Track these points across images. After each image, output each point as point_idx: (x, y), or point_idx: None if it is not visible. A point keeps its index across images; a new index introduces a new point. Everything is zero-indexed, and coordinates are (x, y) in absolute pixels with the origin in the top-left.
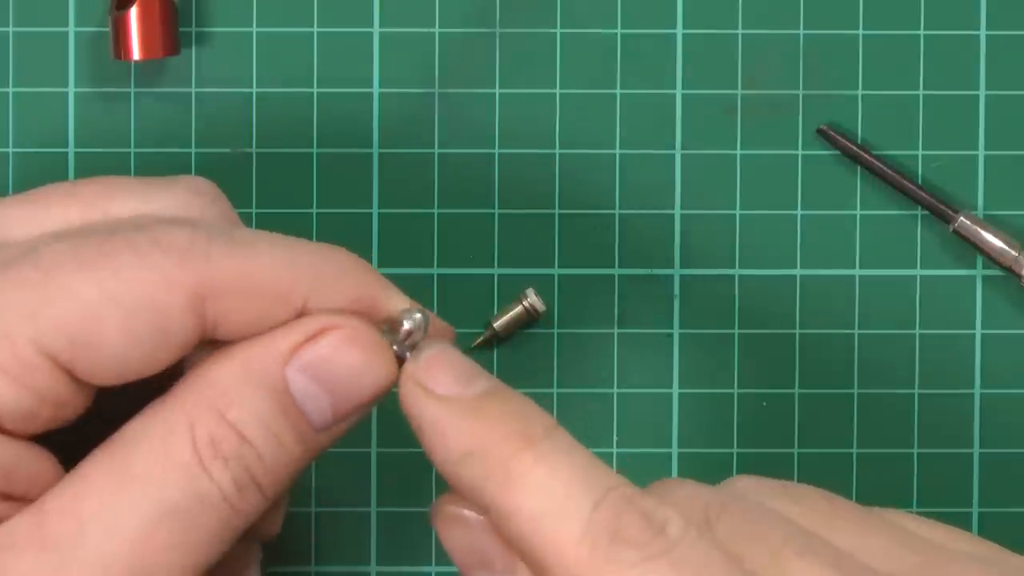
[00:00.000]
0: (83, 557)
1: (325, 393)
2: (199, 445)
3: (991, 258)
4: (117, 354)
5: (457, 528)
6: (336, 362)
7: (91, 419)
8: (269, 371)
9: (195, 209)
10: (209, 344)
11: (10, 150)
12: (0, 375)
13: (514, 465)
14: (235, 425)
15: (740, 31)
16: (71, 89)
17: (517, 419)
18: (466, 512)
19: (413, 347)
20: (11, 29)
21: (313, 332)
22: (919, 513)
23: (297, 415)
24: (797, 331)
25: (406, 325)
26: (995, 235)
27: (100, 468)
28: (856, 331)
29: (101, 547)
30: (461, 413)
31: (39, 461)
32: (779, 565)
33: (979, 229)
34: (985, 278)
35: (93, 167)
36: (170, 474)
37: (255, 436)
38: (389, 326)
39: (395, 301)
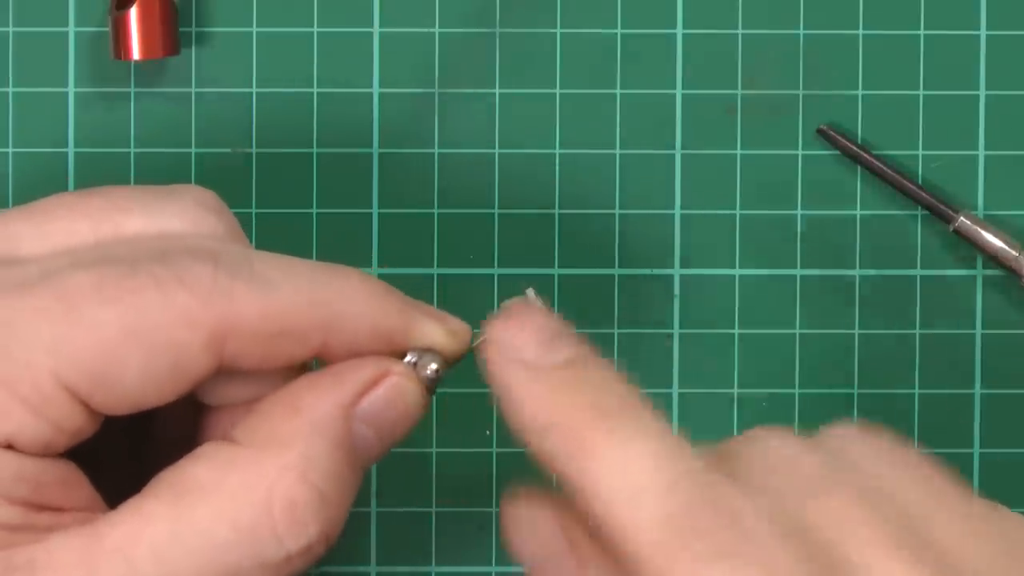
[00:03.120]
0: None
1: (377, 437)
2: (277, 511)
3: (991, 258)
4: (134, 389)
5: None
6: (390, 410)
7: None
8: (338, 425)
9: (205, 224)
10: (224, 374)
11: (10, 150)
12: (21, 405)
13: (589, 442)
14: (319, 486)
15: (740, 31)
16: (71, 89)
17: (597, 392)
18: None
19: (434, 383)
20: (11, 29)
21: (370, 381)
22: None
23: (357, 463)
24: (797, 331)
25: (426, 372)
26: (995, 235)
27: (160, 512)
28: (856, 331)
29: None
30: (540, 384)
31: (64, 470)
32: (869, 561)
33: (979, 229)
34: (985, 278)
35: (93, 167)
36: (235, 537)
37: (334, 494)
38: (411, 355)
39: (415, 332)
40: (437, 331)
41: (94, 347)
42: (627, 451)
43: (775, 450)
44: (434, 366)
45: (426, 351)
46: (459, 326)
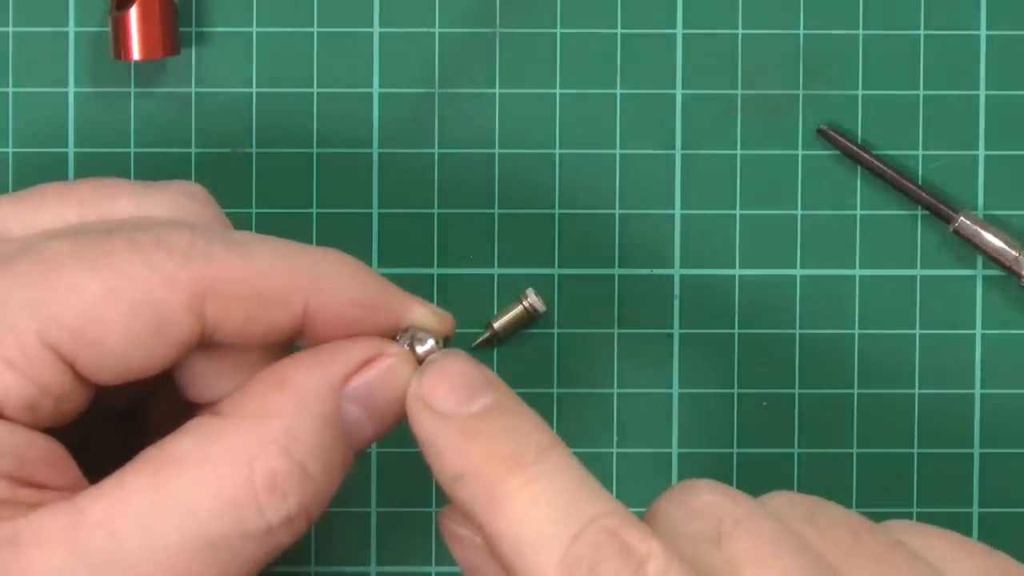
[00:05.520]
0: (111, 571)
1: (369, 419)
2: (259, 481)
3: (991, 258)
4: (118, 352)
5: (457, 544)
6: (382, 392)
7: (87, 419)
8: (326, 403)
9: (189, 212)
10: (206, 348)
11: (10, 150)
12: (4, 366)
13: (500, 490)
14: (299, 460)
15: (740, 31)
16: (71, 89)
17: (508, 440)
18: (463, 531)
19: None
20: (11, 29)
21: (361, 360)
22: (919, 513)
23: (345, 442)
24: (797, 331)
25: (419, 349)
26: (995, 235)
27: (143, 484)
28: (856, 331)
29: (132, 566)
30: (454, 433)
31: (50, 447)
32: None
33: (979, 229)
34: (985, 278)
35: (93, 167)
36: (217, 508)
37: (316, 469)
38: (401, 336)
39: (400, 307)
40: (424, 311)
41: (76, 307)
42: (535, 498)
43: (710, 492)
44: (431, 343)
45: (417, 332)
46: (443, 311)
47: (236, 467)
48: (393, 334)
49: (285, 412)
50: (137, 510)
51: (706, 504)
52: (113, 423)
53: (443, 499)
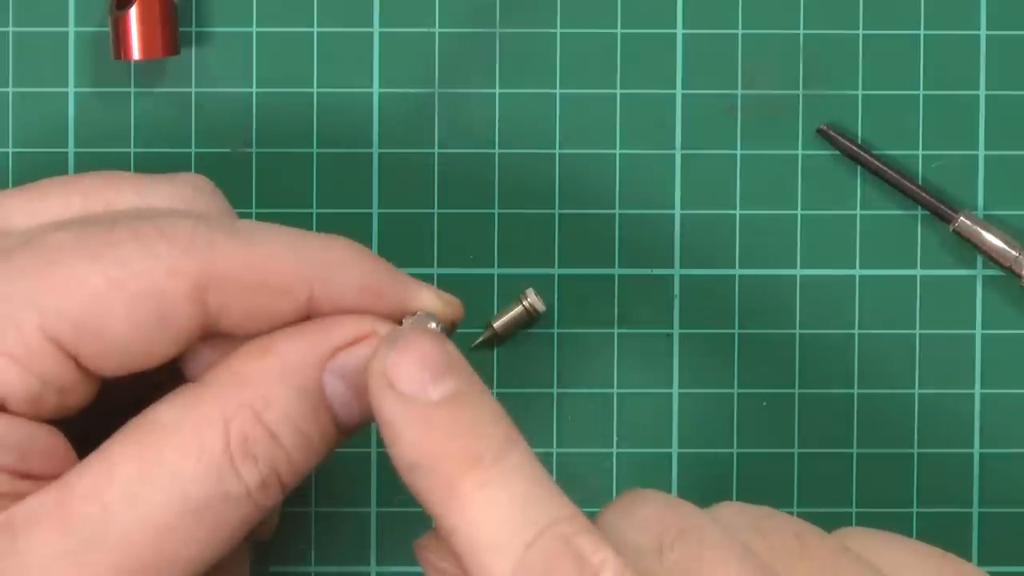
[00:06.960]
0: (105, 542)
1: (356, 397)
2: (232, 444)
3: (991, 258)
4: (121, 342)
5: (433, 573)
6: None
7: (95, 415)
8: (307, 373)
9: (195, 203)
10: (211, 339)
11: (10, 150)
12: (7, 360)
13: (458, 488)
14: (270, 426)
15: (740, 31)
16: (71, 89)
17: (468, 436)
18: (444, 564)
19: None
20: (11, 29)
21: (351, 338)
22: (919, 513)
23: (326, 416)
24: (797, 331)
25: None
26: (995, 235)
27: (127, 453)
28: (856, 331)
29: (124, 535)
30: (415, 419)
31: (51, 440)
32: None
33: (979, 229)
34: (985, 278)
35: (93, 167)
36: (200, 470)
37: (287, 437)
38: (406, 320)
39: (406, 294)
40: (431, 296)
41: (78, 298)
42: (492, 502)
43: (651, 504)
44: (432, 325)
45: (424, 317)
46: (451, 296)
47: (214, 430)
48: (399, 320)
49: (262, 379)
50: (124, 479)
51: (649, 516)
52: (124, 416)
53: None
